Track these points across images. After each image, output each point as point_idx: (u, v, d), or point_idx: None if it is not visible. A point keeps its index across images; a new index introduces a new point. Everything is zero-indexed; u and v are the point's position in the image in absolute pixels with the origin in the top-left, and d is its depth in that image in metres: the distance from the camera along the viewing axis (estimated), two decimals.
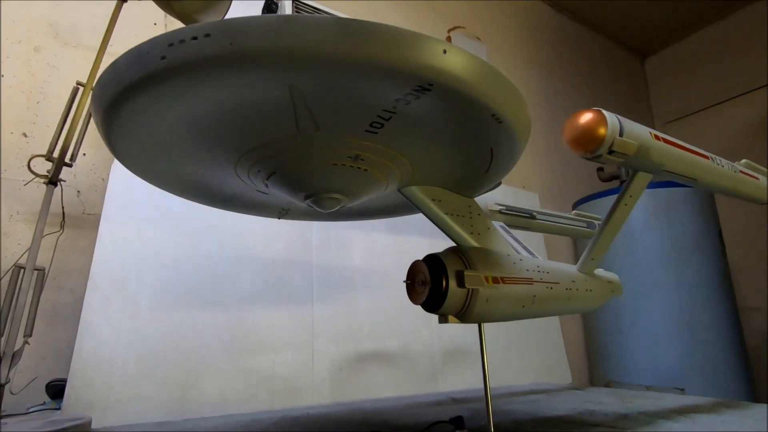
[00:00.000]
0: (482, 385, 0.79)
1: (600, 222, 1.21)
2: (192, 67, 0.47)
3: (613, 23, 3.47)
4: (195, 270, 1.34)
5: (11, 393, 1.07)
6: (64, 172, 1.14)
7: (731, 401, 1.22)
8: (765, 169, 1.13)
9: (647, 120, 3.69)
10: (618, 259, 2.15)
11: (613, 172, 2.42)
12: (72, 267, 1.32)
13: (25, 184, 1.29)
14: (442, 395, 1.52)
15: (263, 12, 1.00)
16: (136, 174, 0.78)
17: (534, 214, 1.21)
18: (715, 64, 3.40)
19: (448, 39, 2.37)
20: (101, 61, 1.12)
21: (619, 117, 0.78)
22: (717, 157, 0.96)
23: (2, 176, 1.30)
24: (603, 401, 1.28)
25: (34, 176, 1.10)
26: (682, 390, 1.90)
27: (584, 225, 1.33)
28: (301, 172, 0.70)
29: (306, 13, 1.01)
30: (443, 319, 0.77)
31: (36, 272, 1.07)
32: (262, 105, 0.55)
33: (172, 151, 0.68)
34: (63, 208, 1.26)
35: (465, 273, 0.74)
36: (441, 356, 1.66)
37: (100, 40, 1.14)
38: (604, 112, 0.76)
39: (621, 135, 0.76)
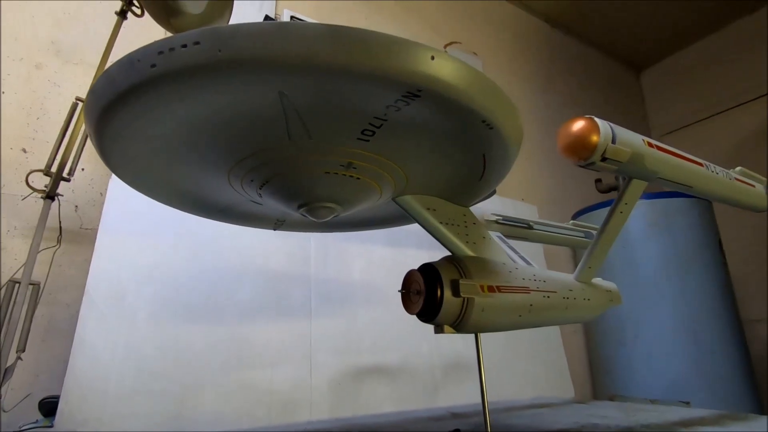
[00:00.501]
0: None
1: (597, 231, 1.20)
2: (182, 75, 0.47)
3: (608, 38, 3.52)
4: (192, 284, 1.33)
5: (3, 410, 1.06)
6: (63, 188, 1.14)
7: (736, 414, 1.20)
8: (760, 177, 1.13)
9: (644, 132, 3.67)
10: (619, 270, 2.13)
11: (612, 184, 2.42)
12: (68, 282, 1.32)
13: (22, 199, 1.29)
14: (442, 410, 1.49)
15: None
16: (128, 184, 0.78)
17: (531, 223, 1.21)
18: (711, 75, 3.43)
19: None
20: None
21: (612, 125, 0.79)
22: (711, 164, 0.96)
23: (1, 191, 1.31)
24: (607, 415, 1.25)
25: (31, 191, 1.11)
26: (687, 403, 1.87)
27: (582, 235, 1.33)
28: (293, 180, 0.70)
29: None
30: (439, 329, 0.77)
31: (31, 287, 1.06)
32: (254, 113, 0.55)
33: (165, 160, 0.68)
34: (60, 222, 1.27)
35: (460, 282, 0.73)
36: (441, 370, 1.64)
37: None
38: (596, 119, 0.77)
39: (614, 142, 0.77)
